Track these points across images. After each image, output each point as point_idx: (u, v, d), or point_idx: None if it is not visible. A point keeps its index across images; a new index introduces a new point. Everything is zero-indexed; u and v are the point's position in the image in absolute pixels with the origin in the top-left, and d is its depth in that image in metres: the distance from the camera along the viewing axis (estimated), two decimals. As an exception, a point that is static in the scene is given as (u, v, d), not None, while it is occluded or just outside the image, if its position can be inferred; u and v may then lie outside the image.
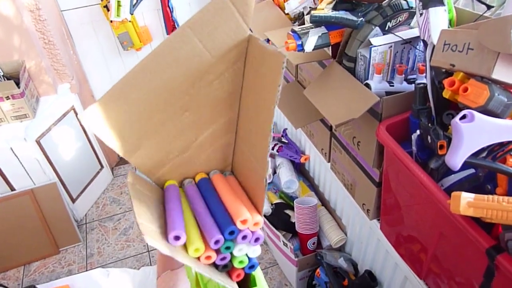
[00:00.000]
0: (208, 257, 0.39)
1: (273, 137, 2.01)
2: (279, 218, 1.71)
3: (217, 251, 0.40)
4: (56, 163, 2.01)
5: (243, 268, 0.41)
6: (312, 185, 1.83)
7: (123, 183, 2.49)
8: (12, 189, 1.96)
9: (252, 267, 0.41)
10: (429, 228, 0.92)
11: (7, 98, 1.75)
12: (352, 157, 1.21)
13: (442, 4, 0.90)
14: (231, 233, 0.39)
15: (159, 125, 0.41)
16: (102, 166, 2.42)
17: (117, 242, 2.14)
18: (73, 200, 2.20)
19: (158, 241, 0.35)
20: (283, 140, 1.92)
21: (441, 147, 0.82)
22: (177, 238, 0.38)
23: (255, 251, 0.41)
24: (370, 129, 1.04)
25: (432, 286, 1.03)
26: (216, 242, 0.39)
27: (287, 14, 1.45)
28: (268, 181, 1.88)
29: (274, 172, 1.90)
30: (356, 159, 1.19)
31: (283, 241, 1.62)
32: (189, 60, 0.38)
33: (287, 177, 1.77)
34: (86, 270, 1.88)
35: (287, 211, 1.73)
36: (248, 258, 0.41)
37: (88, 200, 2.34)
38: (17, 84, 1.74)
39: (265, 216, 1.73)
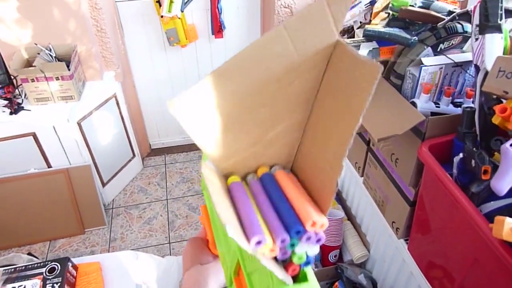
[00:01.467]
0: (272, 250, 0.40)
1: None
2: (303, 227, 1.72)
3: (281, 247, 0.41)
4: (93, 146, 2.09)
5: (299, 264, 0.43)
6: (339, 198, 1.83)
7: (152, 174, 2.55)
8: (49, 166, 2.04)
9: (307, 263, 0.43)
10: (462, 253, 0.92)
11: (57, 78, 1.83)
12: (387, 173, 1.21)
13: (500, 31, 0.90)
14: (297, 232, 0.40)
15: (238, 119, 0.43)
16: (134, 155, 2.49)
17: (140, 230, 2.19)
18: (104, 184, 2.27)
19: (240, 236, 0.37)
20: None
21: (485, 172, 0.82)
22: (259, 243, 0.39)
23: (314, 250, 0.42)
24: (411, 147, 1.04)
25: (457, 312, 1.02)
26: (283, 241, 0.40)
27: (336, 26, 1.47)
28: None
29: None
30: (392, 176, 1.19)
31: (304, 250, 1.62)
32: (278, 59, 0.40)
33: (315, 187, 1.77)
34: (108, 253, 1.93)
35: (312, 221, 1.74)
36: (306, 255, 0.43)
37: (117, 186, 2.40)
38: (67, 66, 1.82)
39: (289, 222, 1.73)
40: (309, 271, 0.44)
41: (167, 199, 2.37)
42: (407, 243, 1.21)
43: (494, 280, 0.83)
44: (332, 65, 0.41)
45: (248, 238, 0.40)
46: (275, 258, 0.43)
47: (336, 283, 1.60)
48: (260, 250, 0.40)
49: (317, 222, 0.40)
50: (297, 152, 0.49)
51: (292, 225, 0.41)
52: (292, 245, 0.42)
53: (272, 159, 0.50)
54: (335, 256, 1.65)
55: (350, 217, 1.73)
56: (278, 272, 0.40)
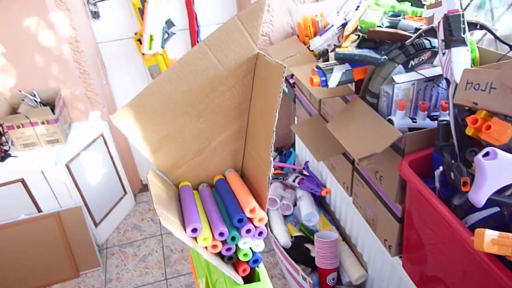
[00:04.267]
0: (215, 246, 0.42)
1: (295, 170, 2.02)
2: (299, 252, 1.70)
3: (223, 243, 0.44)
4: (83, 187, 2.08)
5: (247, 262, 0.45)
6: (333, 219, 1.82)
7: (145, 210, 2.53)
8: (39, 210, 2.02)
9: (256, 261, 0.45)
10: (452, 267, 0.91)
11: (42, 123, 1.84)
12: (374, 191, 1.21)
13: (465, 44, 0.92)
14: (240, 221, 0.43)
15: (178, 130, 0.48)
16: (125, 192, 2.47)
17: (136, 269, 2.15)
18: (96, 225, 2.24)
19: (174, 227, 0.40)
20: (305, 172, 1.93)
21: (465, 184, 0.82)
22: (194, 230, 0.43)
23: (258, 245, 0.45)
24: (392, 164, 1.05)
25: (457, 328, 1.00)
26: (221, 234, 0.42)
27: (312, 51, 1.50)
28: (286, 212, 1.88)
29: (295, 205, 1.91)
30: (379, 194, 1.19)
31: (302, 275, 1.60)
32: (205, 72, 0.45)
33: (307, 209, 1.76)
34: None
35: (307, 245, 1.72)
36: (252, 252, 0.46)
37: (110, 225, 2.37)
38: (52, 110, 1.83)
39: (284, 249, 1.72)
40: (262, 271, 0.46)
41: (161, 234, 2.34)
42: (401, 259, 1.20)
43: (486, 292, 0.82)
44: (256, 75, 0.46)
45: (185, 229, 0.42)
46: (222, 257, 0.45)
47: (337, 307, 1.57)
48: (200, 243, 0.42)
49: (257, 208, 0.43)
50: (243, 157, 0.52)
51: (234, 214, 0.44)
52: (233, 239, 0.44)
53: (221, 166, 0.53)
54: (333, 279, 1.62)
55: (345, 237, 1.72)
56: (226, 269, 0.42)
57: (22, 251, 2.02)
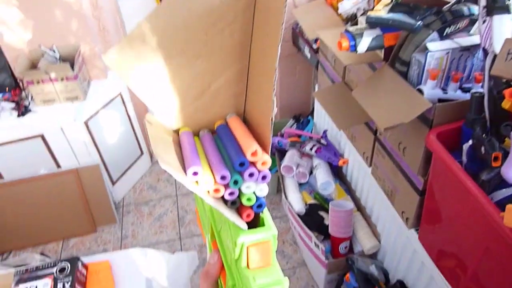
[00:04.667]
0: (217, 190, 0.40)
1: (312, 138, 2.00)
2: (313, 219, 1.70)
3: (226, 186, 0.41)
4: (101, 145, 2.10)
5: (251, 207, 0.42)
6: (348, 189, 1.81)
7: (161, 170, 2.56)
8: (59, 166, 2.06)
9: (260, 206, 0.42)
10: (473, 242, 0.90)
11: (62, 79, 1.84)
12: (395, 163, 1.19)
13: (508, 12, 0.87)
14: (241, 165, 0.40)
15: (175, 71, 0.45)
16: (142, 152, 2.50)
17: (151, 227, 2.20)
18: (113, 183, 2.28)
19: (175, 170, 0.38)
20: (322, 141, 1.91)
21: (496, 159, 0.79)
22: (195, 173, 0.39)
23: (262, 189, 0.42)
24: (418, 136, 1.02)
25: (471, 302, 1.00)
26: (223, 177, 0.40)
27: (340, 14, 1.44)
28: (295, 171, 1.88)
29: (311, 173, 1.90)
30: (400, 166, 1.17)
31: (315, 242, 1.61)
32: (201, 6, 0.41)
33: (323, 178, 1.76)
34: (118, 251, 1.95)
35: (321, 213, 1.72)
36: (256, 197, 0.42)
37: (126, 184, 2.42)
38: (72, 67, 1.83)
39: (298, 215, 1.72)
40: (266, 216, 0.44)
41: (176, 195, 2.38)
42: (417, 232, 1.19)
43: (507, 268, 0.81)
44: (257, 8, 0.42)
45: (186, 170, 0.40)
46: (225, 202, 0.43)
47: (348, 275, 1.59)
48: (202, 187, 0.40)
49: (258, 152, 0.40)
50: (245, 101, 0.49)
51: (235, 157, 0.42)
52: (236, 183, 0.41)
53: (222, 111, 0.50)
54: (345, 248, 1.64)
55: (359, 208, 1.72)
56: (229, 214, 0.40)
57: (42, 205, 2.08)
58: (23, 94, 1.93)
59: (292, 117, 2.41)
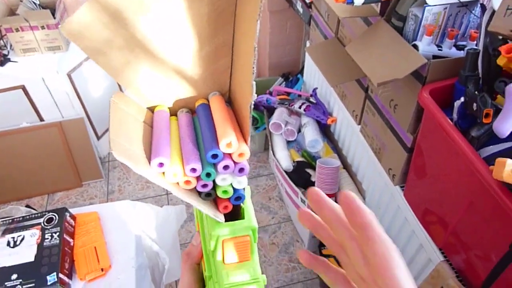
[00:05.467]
0: (188, 182, 0.36)
1: (301, 96, 1.98)
2: (300, 176, 1.72)
3: (198, 179, 0.37)
4: (85, 99, 2.04)
5: (228, 199, 0.39)
6: (335, 148, 1.83)
7: (147, 127, 2.52)
8: (41, 119, 2.01)
9: (238, 198, 0.39)
10: (458, 197, 0.92)
11: (42, 27, 1.75)
12: (385, 120, 1.20)
13: (510, -35, 0.84)
14: (214, 156, 0.36)
15: (151, 42, 0.38)
16: (127, 108, 2.45)
17: (138, 182, 2.20)
18: (98, 137, 2.25)
19: (133, 161, 0.33)
20: (311, 100, 1.90)
21: (487, 115, 0.80)
22: (161, 164, 0.35)
23: (240, 182, 0.38)
24: (411, 92, 1.02)
25: (450, 254, 1.04)
26: (193, 170, 0.36)
27: (335, -34, 1.39)
28: (280, 131, 1.88)
29: (299, 131, 1.90)
30: (390, 123, 1.17)
31: (301, 198, 1.64)
32: None
33: (312, 136, 1.76)
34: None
35: (308, 170, 1.74)
36: (234, 189, 0.39)
37: (112, 139, 2.38)
38: (53, 14, 1.74)
39: (285, 172, 1.74)
40: (247, 207, 0.40)
41: (163, 152, 2.36)
42: (402, 190, 1.22)
43: (488, 222, 0.84)
44: None
45: (150, 160, 0.36)
46: (199, 193, 0.40)
47: (332, 230, 1.63)
48: (170, 179, 0.36)
49: (233, 143, 0.35)
50: (230, 79, 0.44)
51: (208, 148, 0.37)
52: (209, 175, 0.37)
53: (204, 88, 0.44)
54: (331, 204, 1.67)
55: (346, 165, 1.74)
56: (203, 207, 0.36)
57: (26, 159, 2.04)
58: (1, 42, 1.83)
59: (281, 75, 2.38)
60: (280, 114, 1.91)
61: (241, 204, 0.40)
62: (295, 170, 1.75)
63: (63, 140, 2.04)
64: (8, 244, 1.05)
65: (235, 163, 0.37)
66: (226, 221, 0.38)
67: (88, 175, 2.20)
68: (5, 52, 1.81)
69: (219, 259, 0.38)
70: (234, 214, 0.40)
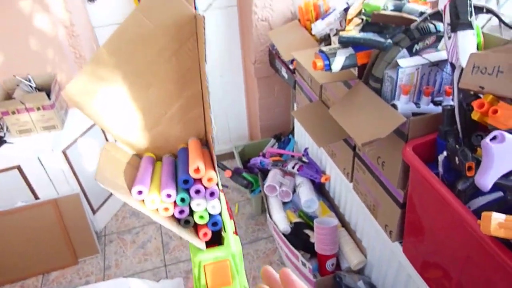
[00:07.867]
0: (166, 209, 0.42)
1: (294, 156, 2.01)
2: (298, 238, 1.70)
3: (175, 205, 0.43)
4: (80, 174, 2.06)
5: (207, 226, 0.44)
6: (332, 206, 1.82)
7: (143, 197, 2.52)
8: (36, 197, 2.01)
9: (215, 224, 0.44)
10: (455, 252, 0.91)
11: (38, 109, 1.81)
12: (375, 177, 1.21)
13: (471, 27, 0.91)
14: (185, 182, 0.42)
15: (130, 101, 0.46)
16: (123, 179, 2.46)
17: (135, 255, 2.15)
18: (94, 212, 2.23)
19: (118, 190, 0.38)
20: (304, 159, 1.92)
21: (470, 168, 0.81)
22: (140, 192, 0.41)
23: (214, 206, 0.43)
24: (395, 150, 1.04)
25: (457, 312, 1.00)
26: (168, 195, 0.41)
27: (313, 35, 1.48)
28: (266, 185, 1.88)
29: (294, 191, 1.90)
30: (380, 180, 1.19)
31: (301, 261, 1.61)
32: (144, 40, 0.44)
33: (307, 196, 1.76)
34: (99, 282, 1.89)
35: (307, 231, 1.72)
36: (210, 215, 0.44)
37: (108, 212, 2.37)
38: (48, 95, 1.81)
39: (284, 235, 1.72)
40: (228, 235, 0.45)
41: (160, 221, 2.34)
42: (401, 245, 1.20)
43: (488, 276, 0.82)
44: (199, 37, 0.44)
45: (131, 189, 0.42)
46: (178, 220, 0.45)
47: (336, 292, 1.58)
48: (149, 205, 0.42)
49: (201, 168, 0.41)
50: (205, 124, 0.51)
51: (180, 175, 0.44)
52: (183, 200, 0.42)
53: (183, 135, 0.52)
54: (332, 265, 1.63)
55: (344, 224, 1.72)
56: (183, 234, 0.41)
57: (20, 239, 2.01)
58: (-2, 125, 1.89)
59: (273, 137, 2.43)
60: (274, 175, 1.93)
61: (222, 233, 0.45)
62: (293, 232, 1.73)
63: (59, 217, 2.02)
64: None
65: (205, 188, 0.42)
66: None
67: (84, 251, 2.15)
68: (1, 134, 1.86)
69: (203, 283, 0.42)
70: (218, 242, 0.45)
